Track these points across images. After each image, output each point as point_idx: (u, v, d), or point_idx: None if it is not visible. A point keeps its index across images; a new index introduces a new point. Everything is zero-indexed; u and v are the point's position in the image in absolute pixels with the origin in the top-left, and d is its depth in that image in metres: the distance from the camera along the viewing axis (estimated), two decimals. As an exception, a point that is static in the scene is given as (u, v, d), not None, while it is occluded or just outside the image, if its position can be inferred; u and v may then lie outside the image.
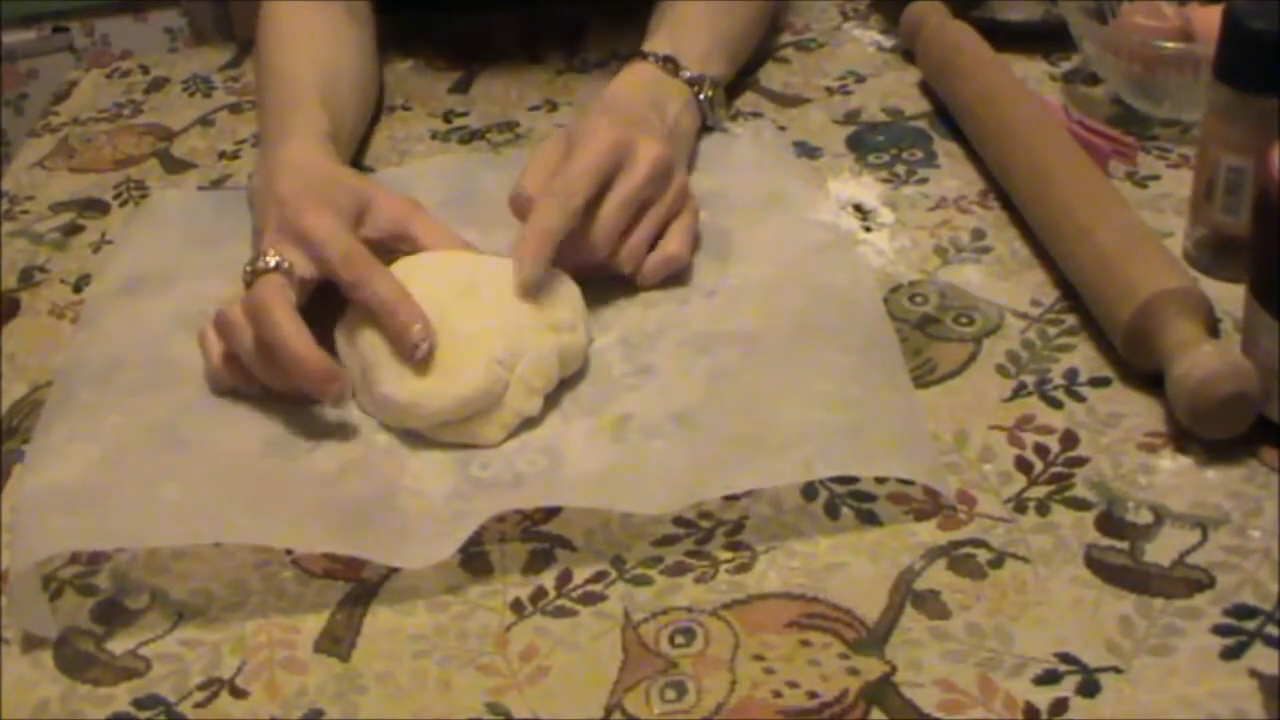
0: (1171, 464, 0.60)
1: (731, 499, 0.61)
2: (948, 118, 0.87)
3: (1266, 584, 0.54)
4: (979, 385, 0.66)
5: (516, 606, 0.57)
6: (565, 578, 0.58)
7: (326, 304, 0.74)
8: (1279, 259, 0.58)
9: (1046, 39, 0.93)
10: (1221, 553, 0.56)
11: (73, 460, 0.64)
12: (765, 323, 0.69)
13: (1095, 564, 0.56)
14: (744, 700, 0.52)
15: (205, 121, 0.99)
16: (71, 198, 0.91)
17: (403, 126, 0.94)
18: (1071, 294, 0.70)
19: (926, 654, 0.53)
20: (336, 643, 0.57)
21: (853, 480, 0.61)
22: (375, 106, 0.94)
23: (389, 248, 0.71)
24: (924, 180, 0.82)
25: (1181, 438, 0.61)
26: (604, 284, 0.74)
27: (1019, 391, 0.65)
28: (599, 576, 0.58)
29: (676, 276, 0.73)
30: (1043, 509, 0.59)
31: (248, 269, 0.68)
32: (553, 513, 0.61)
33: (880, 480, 0.61)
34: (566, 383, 0.68)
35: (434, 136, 0.93)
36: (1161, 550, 0.56)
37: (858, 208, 0.80)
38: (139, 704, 0.55)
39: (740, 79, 0.93)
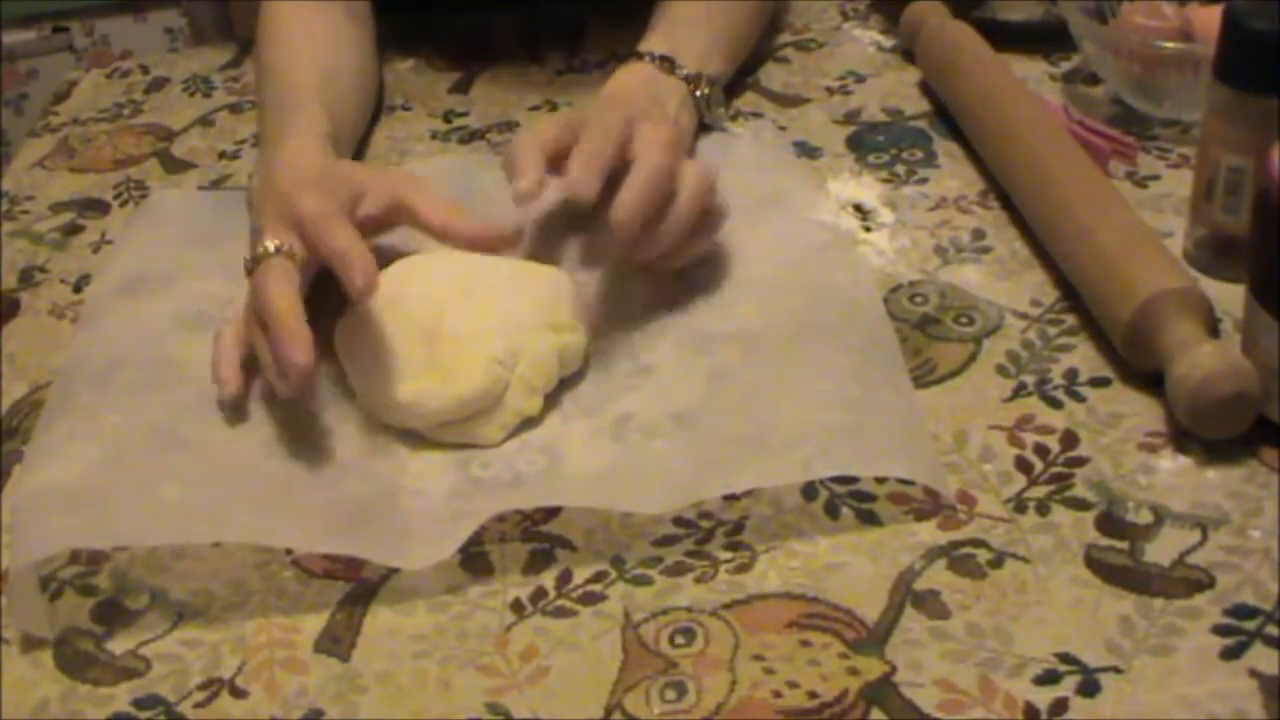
0: (1171, 464, 0.60)
1: (731, 499, 0.61)
2: (948, 118, 0.87)
3: (1266, 584, 0.54)
4: (979, 385, 0.66)
5: (516, 606, 0.57)
6: (565, 578, 0.58)
7: (326, 304, 0.75)
8: (1279, 259, 0.58)
9: (1046, 39, 0.93)
10: (1221, 553, 0.56)
11: (73, 460, 0.64)
12: (765, 323, 0.69)
13: (1095, 564, 0.56)
14: (744, 700, 0.52)
15: (205, 121, 0.99)
16: (71, 198, 0.91)
17: (403, 126, 0.94)
18: (1071, 294, 0.70)
19: (926, 654, 0.53)
20: (336, 643, 0.57)
21: (853, 480, 0.61)
22: (375, 106, 0.94)
23: (390, 222, 0.72)
24: (924, 180, 0.82)
25: (1181, 438, 0.61)
26: (605, 284, 0.74)
27: (1019, 391, 0.65)
28: (599, 576, 0.58)
29: (678, 277, 0.73)
30: (1043, 509, 0.59)
31: (248, 260, 0.68)
32: (553, 513, 0.61)
33: (880, 480, 0.61)
34: (566, 383, 0.68)
35: (434, 136, 0.93)
36: (1161, 550, 0.56)
37: (858, 208, 0.80)
38: (139, 704, 0.55)
39: (740, 79, 0.93)
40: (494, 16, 1.07)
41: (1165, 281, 0.63)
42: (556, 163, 0.70)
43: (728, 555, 0.58)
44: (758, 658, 0.54)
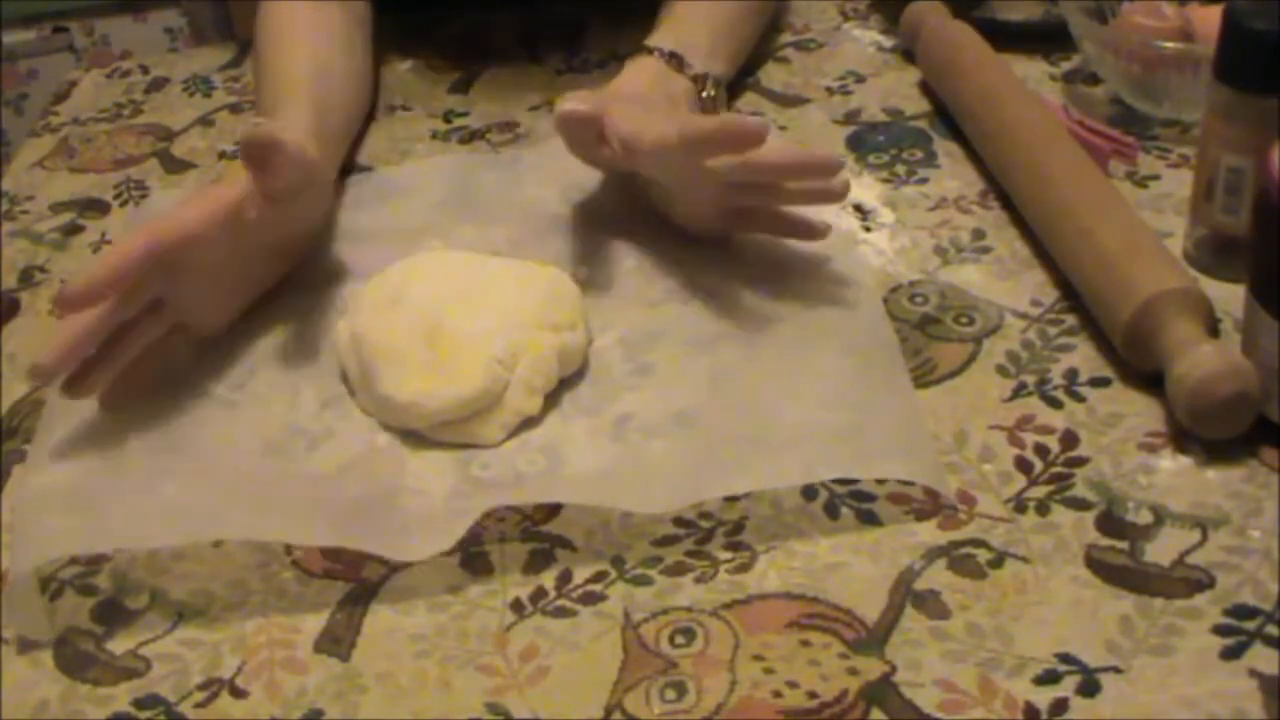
0: (1171, 464, 0.60)
1: (731, 499, 0.61)
2: (948, 118, 0.87)
3: (1266, 584, 0.54)
4: (979, 385, 0.66)
5: (516, 606, 0.57)
6: (565, 578, 0.58)
7: (324, 304, 0.75)
8: (1279, 259, 0.58)
9: (1046, 39, 0.93)
10: (1221, 553, 0.56)
11: (73, 461, 0.64)
12: (765, 323, 0.69)
13: (1095, 564, 0.56)
14: (744, 700, 0.52)
15: (205, 121, 0.99)
16: (71, 198, 0.91)
17: (403, 126, 0.94)
18: (1071, 294, 0.70)
19: (926, 654, 0.53)
20: (336, 643, 0.57)
21: (853, 480, 0.61)
22: (369, 106, 0.94)
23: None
24: (924, 180, 0.82)
25: (1181, 438, 0.61)
26: (605, 284, 0.74)
27: (1019, 391, 0.65)
28: (599, 576, 0.58)
29: (678, 277, 0.73)
30: (1043, 509, 0.59)
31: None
32: (553, 513, 0.61)
33: (880, 480, 0.61)
34: (566, 383, 0.68)
35: (434, 136, 0.93)
36: (1161, 550, 0.56)
37: (858, 208, 0.80)
38: (139, 704, 0.55)
39: (740, 79, 0.93)
40: (494, 16, 1.07)
41: (1165, 281, 0.63)
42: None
43: (728, 555, 0.58)
44: (758, 658, 0.54)
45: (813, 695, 0.52)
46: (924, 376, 0.67)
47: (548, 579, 0.58)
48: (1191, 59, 0.78)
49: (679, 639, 0.55)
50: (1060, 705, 0.50)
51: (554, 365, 0.66)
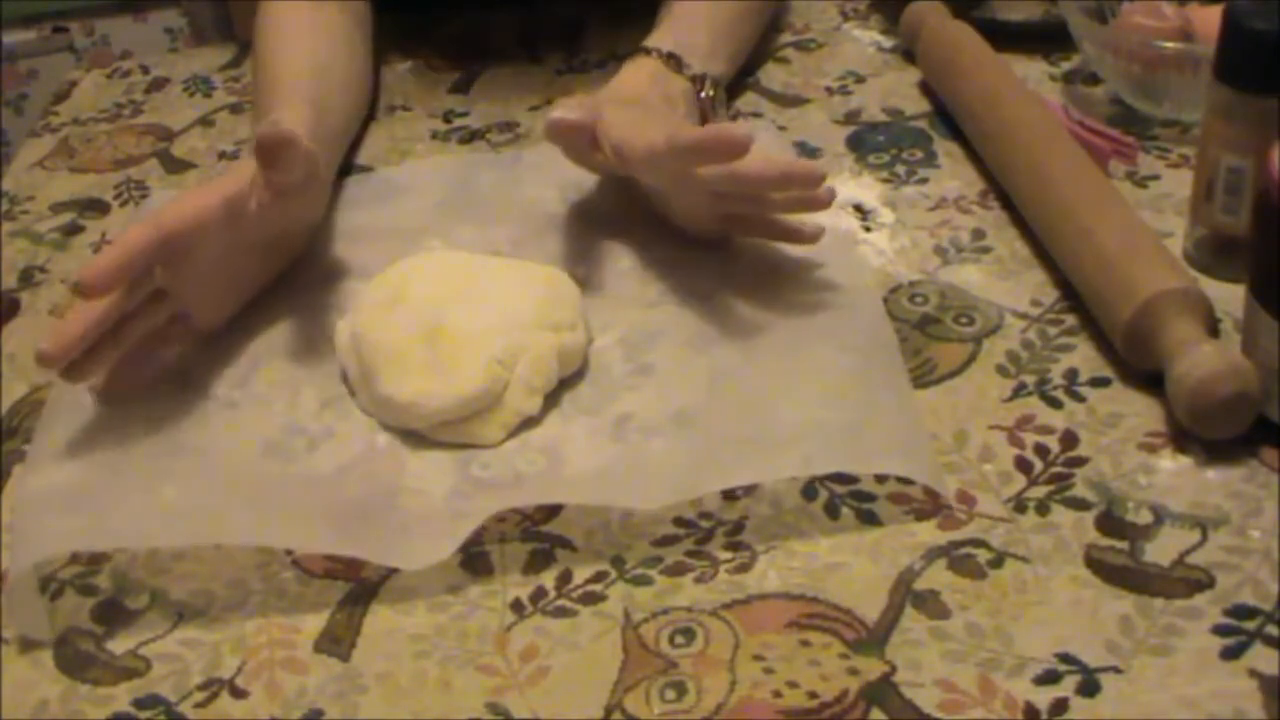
0: (1171, 464, 0.60)
1: (731, 499, 0.61)
2: (948, 118, 0.87)
3: (1266, 584, 0.54)
4: (979, 385, 0.66)
5: (516, 606, 0.57)
6: (565, 578, 0.58)
7: (324, 304, 0.75)
8: (1279, 259, 0.58)
9: (1046, 39, 0.93)
10: (1221, 553, 0.56)
11: (73, 461, 0.64)
12: (765, 323, 0.69)
13: (1095, 564, 0.56)
14: (744, 700, 0.52)
15: (205, 121, 0.99)
16: (71, 198, 0.91)
17: (403, 126, 0.94)
18: (1071, 294, 0.70)
19: (926, 654, 0.53)
20: (336, 643, 0.57)
21: (853, 480, 0.61)
22: (367, 106, 0.94)
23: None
24: (924, 180, 0.82)
25: (1181, 438, 0.61)
26: (604, 284, 0.74)
27: (1019, 391, 0.65)
28: (599, 576, 0.58)
29: (678, 277, 0.73)
30: (1043, 509, 0.59)
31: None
32: (553, 513, 0.61)
33: (880, 480, 0.61)
34: (566, 383, 0.68)
35: (434, 136, 0.93)
36: (1161, 550, 0.56)
37: (858, 208, 0.80)
38: (139, 704, 0.55)
39: (740, 79, 0.93)
40: (494, 16, 1.07)
41: (1165, 281, 0.63)
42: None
43: (728, 555, 0.58)
44: (758, 658, 0.54)
45: (813, 695, 0.52)
46: (924, 376, 0.67)
47: (548, 579, 0.58)
48: (1191, 59, 0.78)
49: (679, 639, 0.55)
50: (1060, 705, 0.50)
51: (554, 365, 0.66)
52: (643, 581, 0.58)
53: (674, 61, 0.82)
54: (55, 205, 0.91)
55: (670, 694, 0.53)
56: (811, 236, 0.71)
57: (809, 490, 0.61)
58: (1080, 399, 0.64)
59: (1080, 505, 0.59)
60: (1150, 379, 0.63)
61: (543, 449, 0.64)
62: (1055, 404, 0.64)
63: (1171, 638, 0.52)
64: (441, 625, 0.57)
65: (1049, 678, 0.51)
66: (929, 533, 0.58)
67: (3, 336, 0.78)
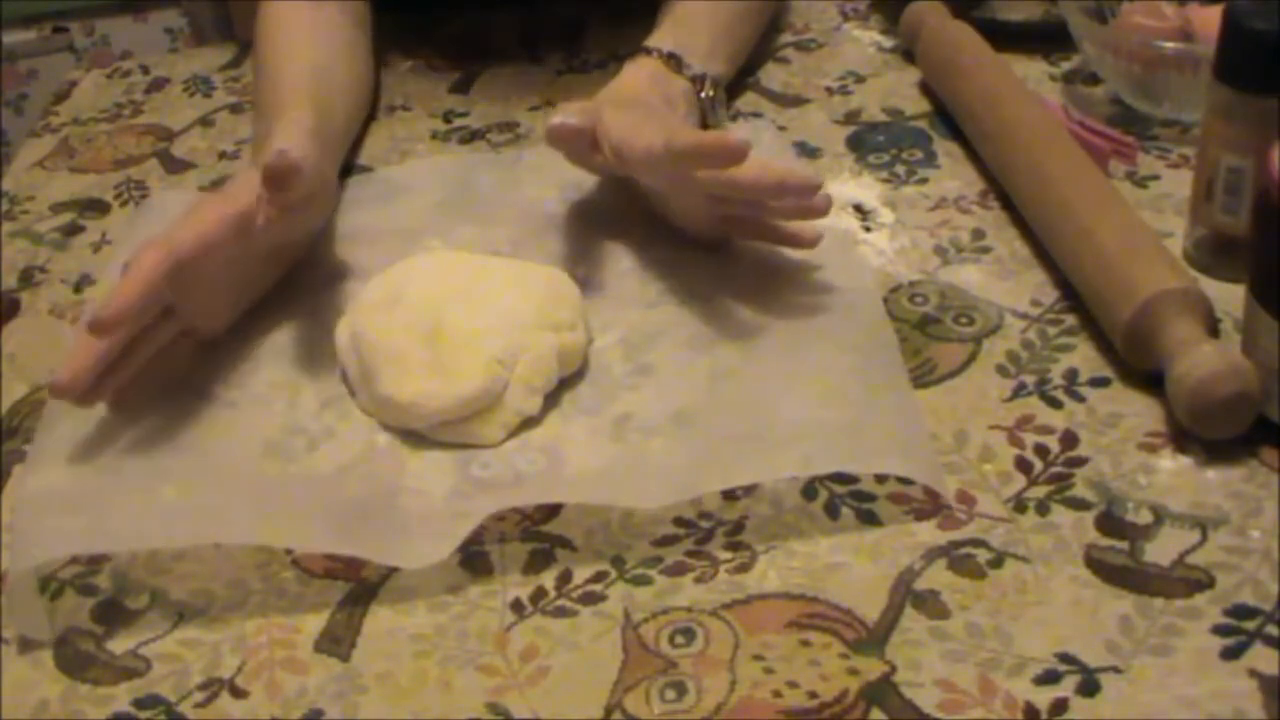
0: (1171, 464, 0.60)
1: (731, 499, 0.61)
2: (948, 118, 0.87)
3: (1266, 584, 0.54)
4: (979, 385, 0.66)
5: (516, 606, 0.57)
6: (565, 578, 0.58)
7: (324, 304, 0.75)
8: (1279, 259, 0.58)
9: (1046, 39, 0.93)
10: (1221, 553, 0.56)
11: (73, 461, 0.64)
12: (765, 323, 0.69)
13: (1095, 564, 0.56)
14: (744, 700, 0.52)
15: (205, 121, 0.99)
16: (71, 198, 0.91)
17: (403, 126, 0.94)
18: (1071, 294, 0.70)
19: (926, 654, 0.53)
20: (336, 643, 0.57)
21: (853, 480, 0.61)
22: (369, 107, 0.94)
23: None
24: (924, 180, 0.82)
25: (1181, 438, 0.61)
26: (604, 284, 0.74)
27: (1019, 391, 0.65)
28: (599, 576, 0.58)
29: (678, 277, 0.73)
30: (1043, 509, 0.59)
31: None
32: (553, 513, 0.61)
33: (880, 480, 0.61)
34: (566, 383, 0.68)
35: (434, 136, 0.93)
36: (1161, 550, 0.56)
37: (858, 208, 0.80)
38: (139, 704, 0.55)
39: (740, 79, 0.93)
40: (494, 16, 1.07)
41: (1165, 281, 0.63)
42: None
43: (728, 555, 0.58)
44: (758, 658, 0.54)
45: (813, 695, 0.52)
46: (924, 376, 0.67)
47: (548, 579, 0.58)
48: (1191, 59, 0.78)
49: (679, 639, 0.55)
50: (1060, 705, 0.50)
51: (554, 365, 0.66)
52: (643, 581, 0.58)
53: (674, 61, 0.82)
54: (55, 205, 0.91)
55: (670, 694, 0.53)
56: (811, 241, 0.71)
57: (809, 490, 0.61)
58: (1080, 399, 0.64)
59: (1080, 505, 0.59)
60: (1150, 379, 0.63)
61: (543, 449, 0.64)
62: (1055, 404, 0.64)
63: (1171, 638, 0.52)
64: (441, 625, 0.57)
65: (1049, 678, 0.51)
66: (929, 533, 0.58)
67: (3, 336, 0.78)
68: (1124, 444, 0.61)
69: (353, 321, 0.69)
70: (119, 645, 0.58)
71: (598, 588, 0.58)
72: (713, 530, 0.60)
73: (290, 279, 0.76)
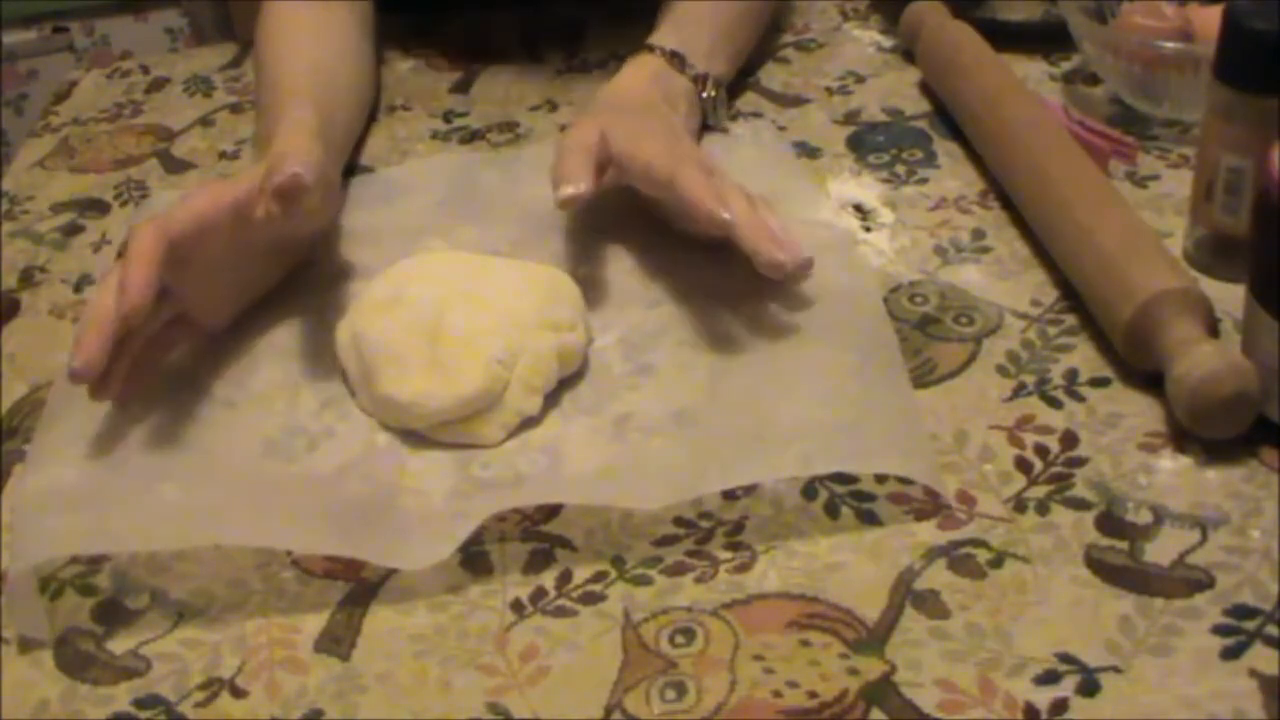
0: (1171, 464, 0.60)
1: (731, 499, 0.61)
2: (948, 118, 0.87)
3: (1266, 584, 0.54)
4: (979, 385, 0.66)
5: (516, 606, 0.57)
6: (565, 578, 0.58)
7: (325, 304, 0.75)
8: (1279, 259, 0.58)
9: (1046, 39, 0.93)
10: (1221, 553, 0.56)
11: (73, 461, 0.64)
12: (765, 322, 0.69)
13: (1095, 564, 0.56)
14: (744, 700, 0.52)
15: (205, 121, 0.99)
16: (71, 198, 0.91)
17: (403, 126, 0.94)
18: (1071, 294, 0.70)
19: (926, 654, 0.53)
20: (336, 643, 0.57)
21: (853, 480, 0.61)
22: (371, 107, 0.94)
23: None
24: (924, 180, 0.82)
25: (1181, 438, 0.61)
26: (605, 284, 0.74)
27: (1019, 391, 0.65)
28: (599, 576, 0.58)
29: (678, 277, 0.73)
30: (1043, 509, 0.59)
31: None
32: (553, 513, 0.61)
33: (880, 480, 0.61)
34: (566, 382, 0.68)
35: (434, 136, 0.93)
36: (1161, 550, 0.56)
37: (858, 208, 0.80)
38: (139, 704, 0.55)
39: (740, 79, 0.93)
40: (494, 16, 1.07)
41: (1165, 281, 0.63)
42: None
43: (728, 555, 0.58)
44: (758, 658, 0.54)
45: (813, 695, 0.52)
46: (924, 376, 0.67)
47: (548, 579, 0.58)
48: (1191, 59, 0.78)
49: (679, 639, 0.55)
50: (1060, 705, 0.50)
51: (554, 365, 0.66)
52: (643, 581, 0.58)
53: (677, 60, 0.82)
54: (55, 205, 0.91)
55: (670, 694, 0.53)
56: (800, 271, 0.70)
57: (809, 490, 0.61)
58: (1080, 399, 0.64)
59: (1080, 505, 0.59)
60: (1150, 379, 0.63)
61: (543, 449, 0.64)
62: (1055, 404, 0.64)
63: (1171, 638, 0.52)
64: (441, 625, 0.57)
65: (1049, 678, 0.51)
66: (929, 533, 0.58)
67: (3, 336, 0.78)
68: (1124, 444, 0.61)
69: (353, 321, 0.69)
70: (119, 645, 0.58)
71: (598, 588, 0.58)
72: (713, 530, 0.60)
73: (291, 278, 0.76)
